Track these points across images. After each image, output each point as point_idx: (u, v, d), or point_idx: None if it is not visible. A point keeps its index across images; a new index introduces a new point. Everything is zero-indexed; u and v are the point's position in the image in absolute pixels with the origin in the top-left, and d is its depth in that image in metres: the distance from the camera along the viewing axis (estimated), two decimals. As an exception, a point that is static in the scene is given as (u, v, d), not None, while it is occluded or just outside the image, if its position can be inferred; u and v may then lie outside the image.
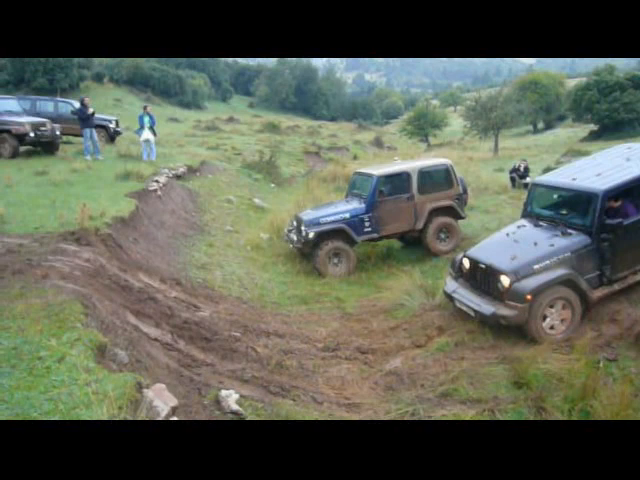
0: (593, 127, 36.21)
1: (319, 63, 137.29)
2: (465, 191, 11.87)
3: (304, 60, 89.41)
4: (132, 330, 5.27)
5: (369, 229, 10.81)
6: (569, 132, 43.17)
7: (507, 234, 7.80)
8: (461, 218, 11.58)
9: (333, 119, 75.66)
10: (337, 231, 10.59)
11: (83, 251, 6.53)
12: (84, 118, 15.42)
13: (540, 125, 52.37)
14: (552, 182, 8.15)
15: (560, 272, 6.72)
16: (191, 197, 14.18)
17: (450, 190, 11.33)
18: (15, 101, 17.21)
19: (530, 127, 50.21)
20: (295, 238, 10.93)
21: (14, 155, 14.91)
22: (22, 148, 15.41)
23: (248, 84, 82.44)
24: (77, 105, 20.33)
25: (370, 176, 11.13)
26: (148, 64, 58.71)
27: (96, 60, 58.21)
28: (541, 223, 7.76)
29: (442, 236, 11.30)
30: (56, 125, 16.31)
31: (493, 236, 8.21)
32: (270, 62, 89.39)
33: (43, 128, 15.54)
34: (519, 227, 7.96)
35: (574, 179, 7.66)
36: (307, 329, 7.64)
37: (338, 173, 24.03)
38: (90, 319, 4.45)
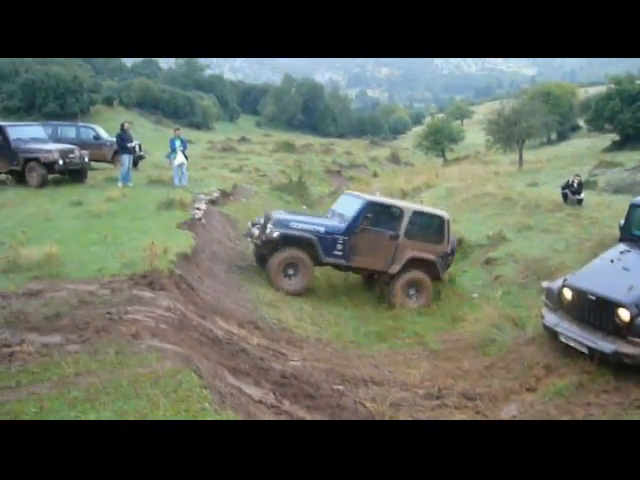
0: (615, 137, 35.49)
1: (322, 80, 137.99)
2: (453, 253, 10.80)
3: (309, 78, 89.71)
4: (238, 394, 4.54)
5: (339, 253, 9.65)
6: (587, 143, 42.50)
7: (611, 260, 7.09)
8: (438, 279, 10.39)
9: (341, 136, 75.43)
10: (304, 242, 9.47)
11: (159, 298, 5.80)
12: (123, 145, 14.80)
13: (553, 136, 51.84)
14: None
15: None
16: (230, 224, 13.51)
17: (438, 245, 10.20)
18: (41, 128, 16.64)
19: (544, 139, 49.65)
20: (256, 233, 9.84)
21: (43, 184, 14.27)
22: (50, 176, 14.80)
23: (254, 103, 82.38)
24: (99, 130, 19.90)
25: (360, 198, 10.18)
26: (157, 86, 58.69)
27: (105, 84, 58.34)
28: (647, 247, 7.06)
29: (411, 292, 10.12)
30: (84, 152, 15.69)
31: (594, 263, 7.47)
32: (276, 81, 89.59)
33: (72, 155, 14.94)
34: (623, 252, 7.25)
35: None
36: (399, 372, 6.91)
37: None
38: (210, 392, 3.72)
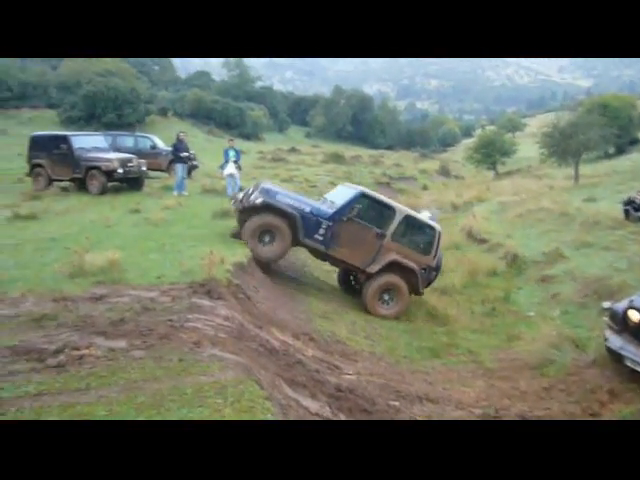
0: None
1: (370, 92, 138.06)
2: (437, 269, 10.28)
3: (359, 90, 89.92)
4: (296, 407, 4.54)
5: (320, 238, 9.17)
6: (648, 156, 41.12)
7: (681, 282, 6.80)
8: (416, 293, 9.93)
9: (390, 147, 75.34)
10: (286, 217, 9.01)
11: (218, 306, 5.87)
12: (177, 154, 15.14)
13: (611, 150, 50.33)
14: None
15: None
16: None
17: (424, 256, 9.76)
18: (102, 137, 17.25)
19: (601, 152, 48.24)
20: (240, 198, 9.54)
21: (103, 192, 14.75)
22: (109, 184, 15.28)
23: (304, 114, 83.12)
24: (156, 140, 20.41)
25: (354, 189, 9.81)
26: (210, 97, 59.94)
27: (160, 95, 59.96)
28: None
29: (386, 297, 9.66)
30: (142, 161, 16.15)
31: (660, 283, 7.21)
32: (325, 92, 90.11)
33: (130, 164, 15.41)
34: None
35: None
36: (453, 390, 6.77)
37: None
38: (272, 404, 3.73)
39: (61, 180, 15.68)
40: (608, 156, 48.65)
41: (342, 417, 5.04)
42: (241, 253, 8.34)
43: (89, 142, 15.96)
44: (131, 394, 3.68)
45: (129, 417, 3.38)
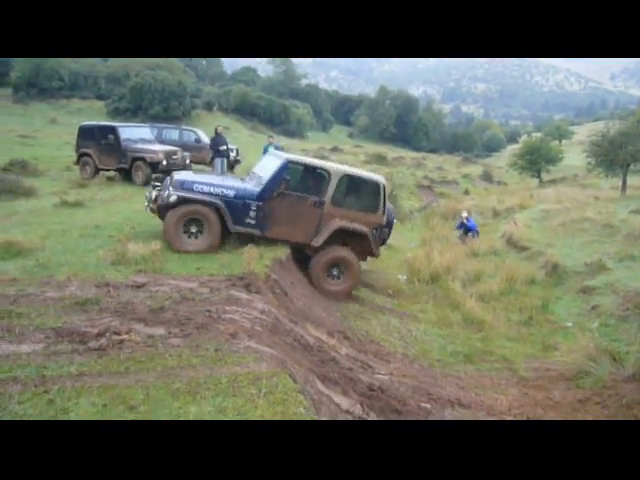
0: None
1: (416, 93, 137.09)
2: (390, 226, 9.45)
3: (404, 91, 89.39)
4: (328, 403, 4.59)
5: (252, 222, 8.35)
6: (700, 170, 39.78)
7: None
8: (372, 255, 9.21)
9: (433, 150, 74.79)
10: (209, 207, 8.21)
11: (255, 300, 5.96)
12: (216, 148, 15.36)
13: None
14: None
15: None
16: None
17: (372, 215, 8.84)
18: (148, 129, 17.58)
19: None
20: (153, 197, 8.69)
21: (147, 183, 15.05)
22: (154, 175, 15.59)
23: (348, 114, 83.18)
24: (200, 134, 20.71)
25: (279, 158, 8.83)
26: (254, 93, 60.49)
27: (206, 89, 60.80)
28: None
29: (334, 272, 8.91)
30: (186, 154, 16.43)
31: None
32: (370, 93, 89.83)
33: (175, 157, 15.67)
34: None
35: None
36: (486, 397, 6.71)
37: (455, 209, 23.06)
38: (304, 398, 3.78)
39: (107, 169, 16.06)
40: (658, 168, 47.14)
41: (373, 416, 5.07)
42: (280, 249, 8.42)
43: (136, 133, 16.31)
44: (168, 380, 3.78)
45: (165, 402, 3.49)
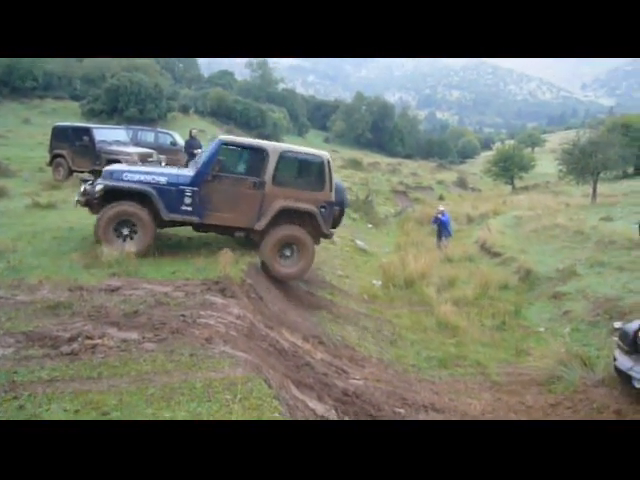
0: None
1: (392, 99, 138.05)
2: (342, 204, 9.04)
3: (381, 97, 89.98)
4: (303, 408, 4.58)
5: (189, 208, 7.96)
6: (666, 177, 40.75)
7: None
8: (323, 236, 8.79)
9: (408, 156, 75.38)
10: (139, 197, 7.85)
11: (230, 305, 5.93)
12: (190, 151, 15.27)
13: (630, 170, 49.95)
14: None
15: None
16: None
17: (318, 192, 8.41)
18: (124, 131, 17.40)
19: (619, 172, 47.88)
20: (82, 190, 8.19)
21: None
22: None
23: (324, 119, 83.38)
24: (176, 136, 20.56)
25: (214, 141, 8.48)
26: (231, 97, 60.32)
27: (182, 92, 60.44)
28: None
29: (287, 252, 8.43)
30: (162, 156, 16.31)
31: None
32: (347, 98, 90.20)
33: (150, 159, 15.49)
34: None
35: None
36: (459, 401, 6.77)
37: (430, 215, 23.21)
38: (279, 403, 3.77)
39: (81, 171, 15.85)
40: (627, 176, 48.26)
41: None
42: (256, 255, 8.39)
43: (110, 135, 16.14)
44: (142, 385, 3.74)
45: (139, 408, 3.45)
